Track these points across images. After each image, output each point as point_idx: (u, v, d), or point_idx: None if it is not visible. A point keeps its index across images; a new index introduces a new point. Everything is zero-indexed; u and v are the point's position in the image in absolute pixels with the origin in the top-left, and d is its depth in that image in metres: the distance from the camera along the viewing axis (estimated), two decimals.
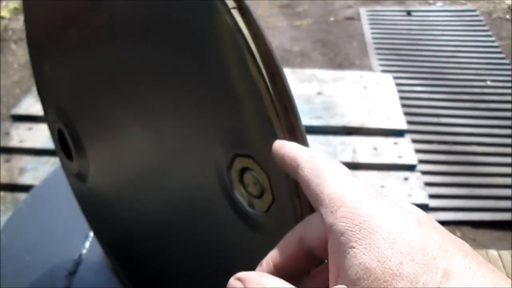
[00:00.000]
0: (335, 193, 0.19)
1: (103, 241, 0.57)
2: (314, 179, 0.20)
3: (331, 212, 0.18)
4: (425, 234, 0.17)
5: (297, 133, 0.23)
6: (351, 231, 0.17)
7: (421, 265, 0.16)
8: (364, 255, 0.16)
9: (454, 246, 0.17)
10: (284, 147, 0.22)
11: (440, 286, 0.15)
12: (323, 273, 0.22)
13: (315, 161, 0.21)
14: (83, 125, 0.43)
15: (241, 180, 0.26)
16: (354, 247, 0.17)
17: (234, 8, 0.23)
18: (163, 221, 0.39)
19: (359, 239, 0.17)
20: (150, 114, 0.33)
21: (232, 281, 0.21)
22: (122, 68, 0.34)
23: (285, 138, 0.23)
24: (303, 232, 0.22)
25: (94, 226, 0.57)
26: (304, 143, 0.23)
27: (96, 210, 0.52)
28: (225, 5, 0.23)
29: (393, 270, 0.16)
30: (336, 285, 0.17)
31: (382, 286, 0.15)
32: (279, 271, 0.21)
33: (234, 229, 0.28)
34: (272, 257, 0.22)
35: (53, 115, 0.48)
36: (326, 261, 0.22)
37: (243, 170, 0.26)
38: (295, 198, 0.24)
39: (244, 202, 0.27)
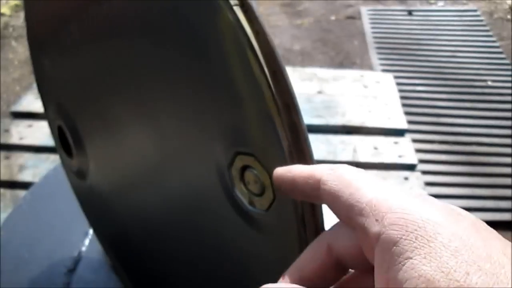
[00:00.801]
0: (376, 199, 0.17)
1: (102, 239, 0.57)
2: (345, 190, 0.18)
3: (376, 220, 0.16)
4: (486, 240, 0.16)
5: (299, 131, 0.23)
6: (405, 239, 0.15)
7: (489, 275, 0.14)
8: (424, 266, 0.15)
9: None
10: (291, 170, 0.21)
11: None
12: (352, 282, 0.20)
13: (339, 171, 0.19)
14: (83, 122, 0.43)
15: (242, 178, 0.26)
16: (411, 258, 0.15)
17: (236, 5, 0.23)
18: (163, 219, 0.39)
19: (416, 248, 0.15)
20: (150, 111, 0.33)
21: None
22: (122, 65, 0.34)
23: (286, 137, 0.23)
24: (332, 240, 0.20)
25: (93, 223, 0.56)
26: (306, 141, 0.23)
27: (96, 208, 0.52)
28: (227, 2, 0.23)
29: (460, 282, 0.14)
30: None
31: None
32: (305, 284, 0.19)
33: (234, 227, 0.28)
34: (296, 268, 0.20)
35: (53, 112, 0.48)
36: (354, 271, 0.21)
37: (244, 168, 0.26)
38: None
39: (244, 200, 0.27)
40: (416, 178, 0.99)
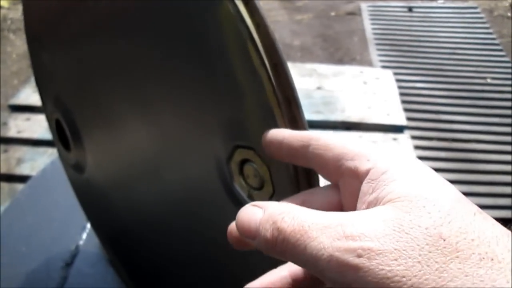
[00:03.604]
0: (367, 148, 0.20)
1: (100, 233, 0.56)
2: (338, 143, 0.20)
3: (368, 160, 0.19)
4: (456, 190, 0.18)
5: (299, 125, 0.23)
6: (393, 168, 0.18)
7: (456, 201, 0.17)
8: (404, 185, 0.17)
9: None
10: (283, 131, 0.22)
11: (473, 220, 0.16)
12: None
13: (328, 134, 0.21)
14: (81, 115, 0.43)
15: (241, 171, 0.26)
16: (395, 179, 0.17)
17: None
18: (161, 213, 0.39)
19: (402, 174, 0.18)
20: (149, 105, 0.33)
21: (249, 207, 0.20)
22: (120, 58, 0.33)
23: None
24: (307, 196, 0.22)
25: (91, 217, 0.56)
26: None
27: (94, 202, 0.52)
28: None
29: (428, 198, 0.16)
30: None
31: (420, 205, 0.16)
32: None
33: (233, 222, 0.28)
34: None
35: (51, 105, 0.48)
36: None
37: (243, 162, 0.26)
38: (296, 190, 0.23)
39: (243, 194, 0.26)
40: None
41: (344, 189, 0.20)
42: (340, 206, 0.21)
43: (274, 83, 0.22)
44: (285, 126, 0.23)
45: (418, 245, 0.15)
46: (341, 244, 0.16)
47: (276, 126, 0.23)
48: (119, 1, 0.31)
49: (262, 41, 0.22)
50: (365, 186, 0.18)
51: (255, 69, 0.22)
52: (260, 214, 0.19)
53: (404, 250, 0.15)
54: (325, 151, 0.20)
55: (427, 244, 0.15)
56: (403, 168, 0.18)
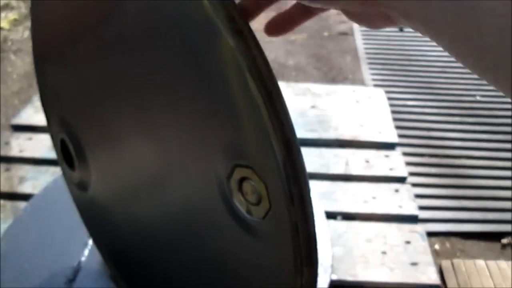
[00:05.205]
0: None
1: (102, 249, 0.57)
2: None
3: None
4: None
5: (292, 146, 0.25)
6: None
7: None
8: None
9: None
10: None
11: None
12: None
13: None
14: (86, 135, 0.44)
15: (240, 188, 0.28)
16: None
17: (236, 32, 0.25)
18: (163, 230, 0.40)
19: None
20: (153, 126, 0.34)
21: None
22: (125, 82, 0.35)
23: (281, 151, 0.25)
24: None
25: (93, 234, 0.57)
26: (299, 155, 0.25)
27: (96, 219, 0.53)
28: (228, 29, 0.25)
29: None
30: None
31: None
32: None
33: (232, 234, 0.30)
34: None
35: (56, 125, 0.49)
36: None
37: (242, 179, 0.28)
38: (290, 205, 0.26)
39: (242, 209, 0.28)
40: (406, 190, 1.02)
41: None
42: None
43: (270, 110, 0.25)
44: (280, 148, 0.25)
45: None
46: None
47: (271, 147, 0.25)
48: (127, 31, 0.33)
49: (258, 71, 0.25)
50: None
51: (252, 96, 0.25)
52: None
53: None
54: None
55: None
56: None
